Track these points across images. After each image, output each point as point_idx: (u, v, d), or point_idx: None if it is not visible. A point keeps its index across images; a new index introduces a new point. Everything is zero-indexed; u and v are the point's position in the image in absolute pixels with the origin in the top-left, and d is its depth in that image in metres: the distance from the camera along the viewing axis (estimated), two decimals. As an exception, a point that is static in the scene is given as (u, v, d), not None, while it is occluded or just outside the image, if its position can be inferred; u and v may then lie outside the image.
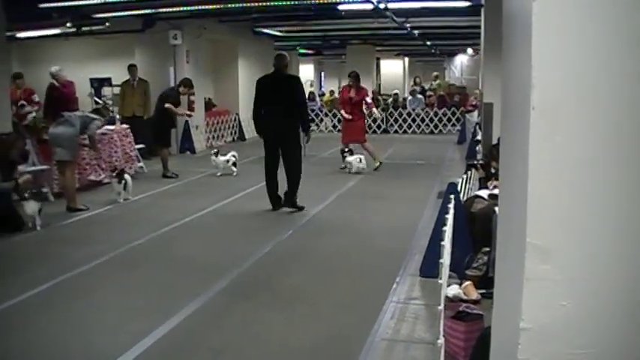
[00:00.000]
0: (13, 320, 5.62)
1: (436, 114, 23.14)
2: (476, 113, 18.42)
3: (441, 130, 22.91)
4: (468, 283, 5.81)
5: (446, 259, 4.58)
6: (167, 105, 13.26)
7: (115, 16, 15.56)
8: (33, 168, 10.81)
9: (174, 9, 15.10)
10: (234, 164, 13.62)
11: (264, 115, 9.84)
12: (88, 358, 4.83)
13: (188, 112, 14.98)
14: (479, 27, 15.63)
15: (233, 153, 13.80)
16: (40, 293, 6.28)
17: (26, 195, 8.88)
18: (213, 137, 19.62)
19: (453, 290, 5.71)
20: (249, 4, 14.84)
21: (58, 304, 6.02)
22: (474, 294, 5.65)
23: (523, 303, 1.92)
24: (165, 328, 5.30)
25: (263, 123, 9.93)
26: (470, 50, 29.53)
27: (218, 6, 15.03)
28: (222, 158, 13.54)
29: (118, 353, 4.79)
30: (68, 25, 15.74)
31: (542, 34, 1.85)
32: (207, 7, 15.06)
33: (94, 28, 16.68)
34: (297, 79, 10.83)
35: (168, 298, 6.07)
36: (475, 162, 10.41)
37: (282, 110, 9.66)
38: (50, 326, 5.48)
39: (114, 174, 10.90)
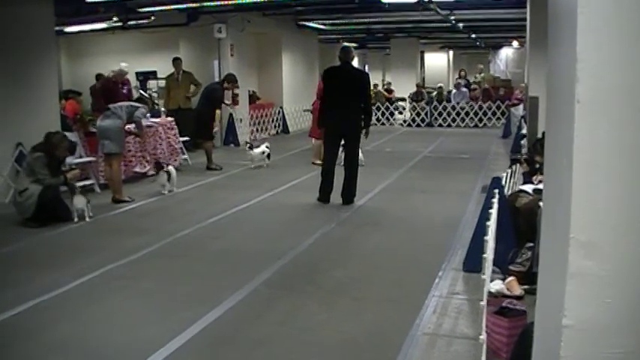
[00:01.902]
0: (64, 308, 5.75)
1: (481, 107, 22.92)
2: (521, 107, 18.19)
3: (485, 124, 22.69)
4: (511, 278, 5.76)
5: (489, 253, 4.54)
6: (218, 112, 13.40)
7: (160, 10, 15.74)
8: (80, 160, 11.03)
9: (219, 2, 15.19)
10: (268, 156, 13.77)
11: (330, 108, 9.79)
12: (133, 346, 4.90)
13: (229, 103, 15.10)
14: (524, 19, 15.39)
15: (266, 144, 13.96)
16: (88, 282, 6.41)
17: (75, 189, 9.07)
18: (257, 130, 19.73)
19: (496, 285, 5.67)
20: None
21: (105, 292, 6.14)
22: (518, 289, 5.61)
23: (566, 299, 1.90)
24: (208, 318, 5.36)
25: (328, 115, 9.86)
26: (515, 43, 29.13)
27: (262, -1, 15.11)
28: (257, 151, 13.67)
29: (163, 342, 4.86)
30: (114, 19, 15.98)
31: (587, 26, 1.83)
32: (251, 0, 15.12)
33: (139, 22, 16.89)
34: (366, 74, 10.78)
35: (213, 289, 6.15)
36: (519, 156, 10.31)
37: (349, 104, 9.62)
38: (98, 314, 5.60)
39: (160, 167, 11.03)
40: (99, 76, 15.73)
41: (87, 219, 9.03)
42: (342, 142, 9.92)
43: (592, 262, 1.88)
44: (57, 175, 8.99)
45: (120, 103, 10.45)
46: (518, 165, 9.33)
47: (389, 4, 15.69)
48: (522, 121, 15.09)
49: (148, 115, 11.81)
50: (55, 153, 9.08)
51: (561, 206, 1.99)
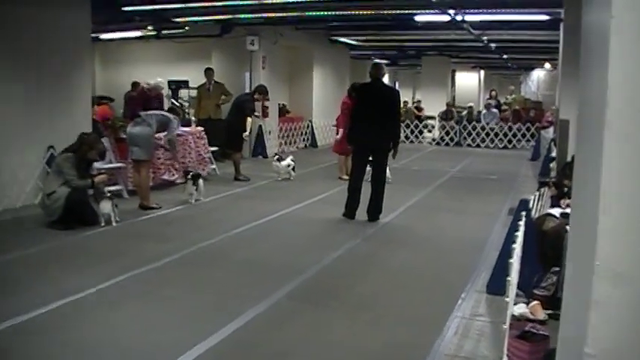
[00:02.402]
0: (87, 311, 5.80)
1: (510, 129, 22.83)
2: (551, 130, 18.06)
3: (514, 146, 22.59)
4: (535, 302, 5.71)
5: (513, 276, 4.51)
6: (248, 120, 13.47)
7: (194, 21, 15.92)
8: (109, 165, 11.15)
9: (252, 15, 15.31)
10: (293, 169, 13.84)
11: (359, 124, 9.76)
12: (151, 353, 4.93)
13: (258, 114, 15.18)
14: (557, 41, 15.34)
15: (291, 158, 14.05)
16: (112, 286, 6.46)
17: (104, 194, 9.16)
18: (286, 143, 19.80)
19: (520, 309, 5.63)
20: (326, 13, 14.94)
21: (128, 298, 6.19)
22: (541, 314, 5.55)
23: (589, 327, 1.88)
24: (229, 328, 5.37)
25: (358, 132, 9.82)
26: (547, 65, 28.99)
27: (295, 13, 15.18)
28: (283, 163, 13.74)
29: (184, 349, 4.88)
30: (149, 28, 16.19)
31: (619, 52, 1.82)
32: (284, 14, 15.23)
33: (173, 31, 17.10)
34: (397, 91, 10.80)
35: (235, 299, 6.16)
36: (548, 179, 10.23)
37: (378, 120, 9.57)
38: (120, 318, 5.64)
39: (187, 175, 11.10)
40: (135, 84, 15.93)
41: (113, 224, 9.13)
42: (370, 158, 9.92)
43: (616, 290, 1.86)
44: (85, 177, 9.09)
45: (151, 112, 10.54)
46: (546, 188, 9.26)
47: (422, 22, 15.72)
48: (552, 144, 14.97)
49: (178, 126, 11.90)
50: (88, 154, 9.19)
51: (588, 232, 1.97)
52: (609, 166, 1.85)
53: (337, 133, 14.09)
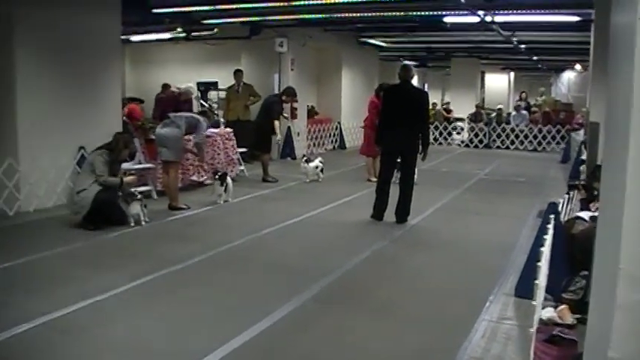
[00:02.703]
0: (114, 310, 5.86)
1: (540, 131, 22.63)
2: (582, 132, 17.87)
3: (544, 148, 22.39)
4: (563, 306, 5.64)
5: (541, 280, 4.47)
6: (276, 123, 13.49)
7: (223, 23, 16.00)
8: (139, 166, 11.25)
9: (281, 17, 15.35)
10: (322, 170, 13.85)
11: (388, 126, 9.75)
12: (176, 354, 4.95)
13: (286, 116, 15.22)
14: (588, 43, 15.18)
15: (320, 159, 14.04)
16: (139, 286, 6.52)
17: (134, 196, 9.25)
18: (314, 144, 19.82)
19: (548, 313, 5.56)
20: (354, 14, 14.94)
21: (155, 297, 6.24)
22: (569, 318, 5.48)
23: (613, 331, 1.86)
24: (254, 330, 5.38)
25: (386, 134, 9.80)
26: (578, 66, 28.67)
27: (324, 15, 15.19)
28: (311, 165, 13.75)
29: (208, 350, 4.90)
30: (179, 30, 16.31)
31: None
32: (312, 16, 15.24)
33: (203, 33, 17.20)
34: (426, 93, 10.78)
35: (260, 301, 6.17)
36: (577, 182, 10.13)
37: (407, 122, 9.56)
38: (146, 318, 5.69)
39: (216, 176, 11.16)
40: (165, 86, 16.03)
41: (142, 224, 9.20)
42: (399, 160, 9.89)
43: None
44: (115, 176, 9.19)
45: (180, 113, 10.61)
46: (576, 191, 9.17)
47: (451, 23, 15.65)
48: (582, 146, 14.82)
49: (207, 129, 11.94)
50: (122, 153, 9.30)
51: (612, 236, 1.95)
52: (634, 170, 1.82)
53: (364, 136, 14.10)
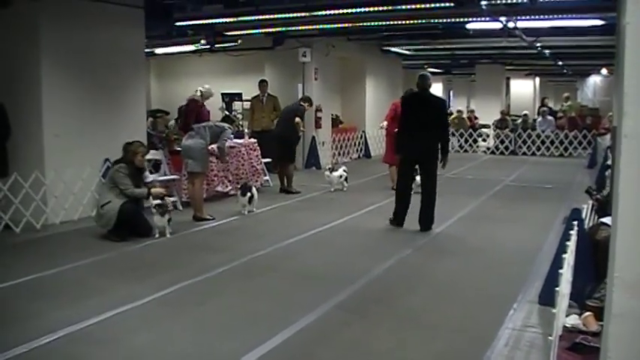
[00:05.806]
0: (142, 320, 5.92)
1: (566, 136, 22.44)
2: (608, 137, 17.69)
3: (571, 154, 22.20)
4: (588, 313, 5.59)
5: (563, 287, 4.44)
6: (297, 120, 13.53)
7: (247, 34, 16.10)
8: (164, 177, 11.35)
9: (304, 27, 15.42)
10: (346, 179, 13.86)
11: (407, 134, 9.81)
12: (203, 362, 5.01)
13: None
14: (613, 46, 15.06)
15: (344, 168, 14.06)
16: (165, 296, 6.58)
17: (167, 207, 9.34)
18: (339, 154, 19.84)
19: (572, 320, 5.52)
20: (377, 23, 14.97)
21: (181, 307, 6.30)
22: (594, 326, 5.43)
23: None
24: (279, 338, 5.41)
25: (404, 141, 9.90)
26: (604, 71, 28.42)
27: (347, 25, 15.23)
28: (335, 174, 13.77)
29: (235, 358, 4.94)
30: (202, 42, 16.45)
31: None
32: (336, 25, 15.29)
33: (226, 45, 17.32)
34: (444, 101, 10.83)
35: (286, 309, 6.20)
36: (589, 189, 10.03)
37: (425, 131, 9.61)
38: (174, 328, 5.73)
39: (240, 187, 11.22)
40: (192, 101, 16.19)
41: (167, 235, 9.28)
42: (417, 167, 9.93)
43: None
44: (140, 187, 9.28)
45: (204, 124, 10.70)
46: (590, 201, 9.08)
47: (473, 30, 15.61)
48: (608, 151, 14.67)
49: (232, 135, 12.01)
50: (135, 160, 9.37)
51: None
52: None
53: (386, 144, 14.13)
